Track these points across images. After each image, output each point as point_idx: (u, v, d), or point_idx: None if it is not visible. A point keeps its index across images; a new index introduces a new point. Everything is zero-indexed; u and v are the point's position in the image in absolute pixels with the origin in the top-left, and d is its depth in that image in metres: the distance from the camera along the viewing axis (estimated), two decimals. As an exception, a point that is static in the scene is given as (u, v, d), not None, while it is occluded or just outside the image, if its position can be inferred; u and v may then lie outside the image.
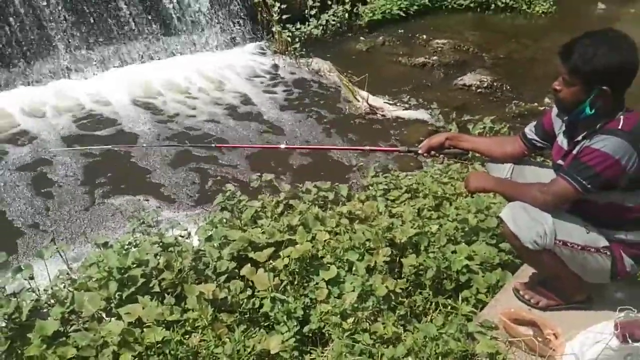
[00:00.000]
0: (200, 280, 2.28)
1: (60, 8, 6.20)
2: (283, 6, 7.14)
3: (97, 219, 4.11)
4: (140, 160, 4.83)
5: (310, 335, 2.09)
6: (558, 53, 1.87)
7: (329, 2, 7.90)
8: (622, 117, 1.83)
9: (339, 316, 2.03)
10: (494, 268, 2.38)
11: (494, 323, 2.04)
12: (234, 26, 7.60)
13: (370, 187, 3.38)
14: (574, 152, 1.93)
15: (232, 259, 2.37)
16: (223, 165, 4.83)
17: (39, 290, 2.38)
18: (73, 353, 1.85)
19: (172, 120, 5.62)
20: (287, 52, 7.21)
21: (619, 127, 1.80)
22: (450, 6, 8.98)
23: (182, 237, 2.76)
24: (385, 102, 6.14)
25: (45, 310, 2.18)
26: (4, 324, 1.92)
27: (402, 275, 2.36)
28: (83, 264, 2.40)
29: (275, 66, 7.01)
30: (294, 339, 1.97)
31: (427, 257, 2.36)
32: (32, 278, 2.31)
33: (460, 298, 2.26)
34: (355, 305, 2.06)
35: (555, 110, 2.13)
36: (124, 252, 2.38)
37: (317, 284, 2.24)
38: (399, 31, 8.13)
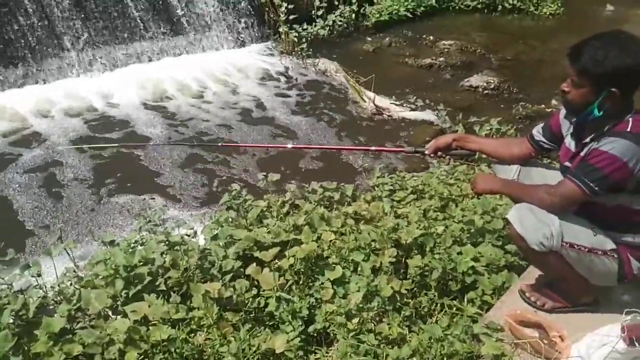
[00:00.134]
0: (205, 279, 2.28)
1: (69, 7, 6.24)
2: (290, 6, 7.16)
3: (104, 217, 4.13)
4: (146, 159, 4.86)
5: (315, 335, 2.09)
6: (567, 54, 1.86)
7: (336, 3, 7.90)
8: (630, 119, 1.82)
9: (344, 316, 2.03)
10: (499, 270, 2.37)
11: (499, 325, 2.03)
12: (241, 26, 7.62)
13: (375, 188, 3.38)
14: (582, 154, 1.92)
15: (238, 258, 2.37)
16: (229, 165, 4.84)
17: (46, 287, 2.39)
18: (79, 350, 1.86)
19: (179, 119, 5.64)
20: (293, 53, 7.22)
21: (628, 129, 1.79)
22: (457, 7, 8.97)
23: (188, 236, 2.77)
24: (391, 103, 6.13)
25: (52, 307, 2.19)
26: (11, 321, 1.93)
27: (408, 276, 2.36)
28: (90, 262, 2.41)
29: (282, 66, 7.02)
30: (299, 339, 1.97)
31: (433, 258, 2.36)
32: (39, 275, 2.33)
33: (465, 299, 2.25)
34: (361, 305, 2.06)
35: (563, 111, 2.13)
36: (130, 250, 2.39)
37: (322, 284, 2.24)
38: (406, 32, 8.12)
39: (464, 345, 1.88)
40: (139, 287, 2.15)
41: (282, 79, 6.71)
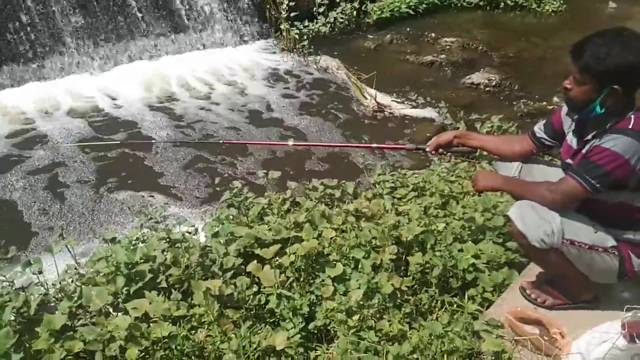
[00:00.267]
0: (206, 276, 2.29)
1: (70, 5, 6.24)
2: (291, 3, 7.15)
3: (106, 214, 4.14)
4: (148, 157, 4.86)
5: (316, 332, 2.10)
6: (569, 52, 1.86)
7: (337, 0, 7.88)
8: (632, 116, 1.82)
9: (344, 313, 2.03)
10: (500, 267, 2.37)
11: (500, 322, 2.03)
12: (242, 23, 7.61)
13: (376, 185, 3.38)
14: (584, 151, 1.92)
15: (239, 255, 2.37)
16: (230, 162, 4.84)
17: (47, 284, 2.40)
18: (80, 347, 1.86)
19: (180, 117, 5.64)
20: (295, 50, 7.21)
21: (630, 127, 1.79)
22: (459, 4, 8.94)
23: (189, 233, 2.77)
24: (393, 100, 6.12)
25: (53, 304, 2.20)
26: (12, 318, 1.94)
27: (408, 273, 2.36)
28: (91, 259, 2.41)
29: (283, 63, 7.01)
30: (299, 336, 1.97)
31: (434, 256, 2.36)
32: (40, 272, 2.33)
33: (466, 296, 2.26)
34: (361, 302, 2.06)
35: (565, 109, 2.12)
36: (131, 247, 2.39)
37: (323, 281, 2.24)
38: (408, 29, 8.10)
39: (464, 342, 1.88)
40: (140, 284, 2.16)
41: (283, 76, 6.70)
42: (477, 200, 2.83)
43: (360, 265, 2.30)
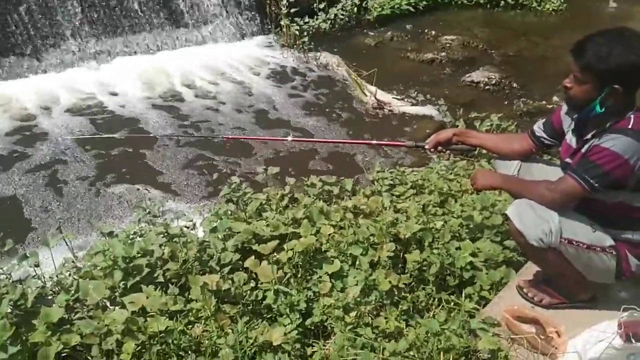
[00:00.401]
0: (204, 271, 2.28)
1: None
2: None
3: (104, 208, 4.13)
4: (147, 151, 4.85)
5: (313, 328, 2.10)
6: (570, 51, 1.86)
7: (338, -4, 7.87)
8: (632, 116, 1.82)
9: (341, 310, 2.03)
10: (498, 265, 2.38)
11: (496, 320, 2.04)
12: (243, 19, 7.59)
13: (375, 182, 3.38)
14: (583, 150, 1.92)
15: (237, 250, 2.37)
16: (229, 157, 4.84)
17: (44, 277, 2.40)
18: (77, 340, 1.86)
19: (179, 111, 5.63)
20: (295, 46, 7.19)
21: (629, 127, 1.79)
22: (460, 2, 8.92)
23: (187, 228, 2.77)
24: (393, 97, 6.12)
25: (50, 297, 2.19)
26: (9, 310, 1.93)
27: (406, 271, 2.37)
28: (88, 253, 2.41)
29: (283, 60, 7.00)
30: (296, 332, 1.97)
31: (431, 253, 2.36)
32: (37, 265, 2.33)
33: (463, 294, 2.26)
34: (358, 299, 2.07)
35: (564, 108, 2.12)
36: (129, 241, 2.39)
37: (320, 277, 2.24)
38: (408, 26, 8.09)
39: (460, 340, 1.88)
40: (138, 278, 2.16)
41: (283, 72, 6.69)
42: (476, 199, 2.83)
43: (357, 262, 2.30)
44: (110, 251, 2.24)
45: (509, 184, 2.17)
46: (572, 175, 1.87)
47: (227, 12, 7.43)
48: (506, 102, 6.06)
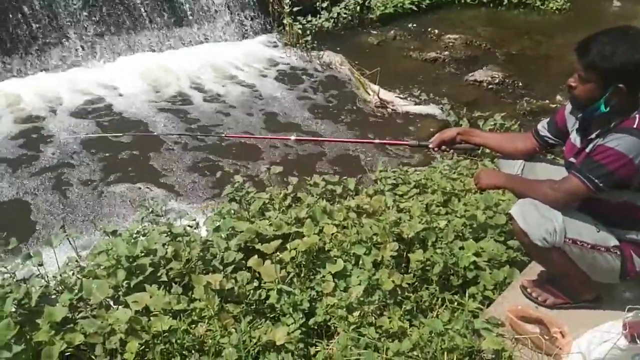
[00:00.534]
0: (207, 271, 2.28)
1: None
2: (294, -2, 7.13)
3: (107, 207, 4.14)
4: (150, 151, 4.85)
5: (316, 327, 2.09)
6: (575, 49, 1.85)
7: (341, -5, 7.86)
8: (637, 115, 1.81)
9: (344, 309, 2.03)
10: (501, 265, 2.37)
11: (500, 320, 2.03)
12: (245, 18, 7.59)
13: (378, 182, 3.37)
14: (587, 150, 1.91)
15: (240, 250, 2.37)
16: (232, 157, 4.84)
17: (48, 276, 2.40)
18: (81, 339, 1.86)
19: (182, 110, 5.63)
20: (298, 45, 7.19)
21: (634, 126, 1.78)
22: (462, 1, 8.90)
23: (191, 227, 2.77)
24: (396, 96, 6.11)
25: (54, 296, 2.19)
26: (13, 309, 1.94)
27: (409, 270, 2.36)
28: (92, 252, 2.41)
29: (286, 58, 6.99)
30: (299, 331, 1.97)
31: (435, 253, 2.35)
32: (41, 265, 2.33)
33: (467, 294, 2.25)
34: (362, 299, 2.06)
35: (569, 107, 2.11)
36: (132, 240, 2.39)
37: (323, 277, 2.24)
38: (411, 25, 8.07)
39: (464, 340, 1.87)
40: (141, 277, 2.16)
41: (286, 71, 6.69)
42: (479, 198, 2.83)
43: (361, 262, 2.30)
44: (113, 250, 2.25)
45: (512, 184, 2.17)
46: (577, 175, 1.86)
47: (230, 11, 7.42)
48: (509, 101, 6.05)
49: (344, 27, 7.83)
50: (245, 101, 5.90)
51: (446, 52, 7.21)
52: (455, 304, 2.22)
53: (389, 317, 2.06)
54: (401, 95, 6.16)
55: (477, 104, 5.90)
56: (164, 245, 2.35)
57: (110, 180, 4.45)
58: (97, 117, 5.41)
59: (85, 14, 6.33)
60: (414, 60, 7.10)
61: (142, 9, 6.74)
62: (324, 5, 7.66)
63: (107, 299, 2.09)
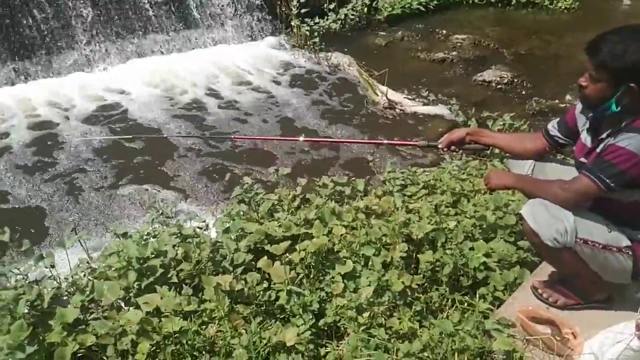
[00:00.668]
0: (217, 272, 2.29)
1: (83, 1, 6.28)
2: (302, 0, 7.13)
3: (117, 209, 4.17)
4: (159, 153, 4.88)
5: (326, 328, 2.10)
6: (585, 49, 1.84)
7: (348, -4, 7.87)
8: (648, 115, 1.79)
9: (354, 310, 2.03)
10: (512, 266, 2.36)
11: (511, 321, 2.02)
12: (253, 20, 7.62)
13: (387, 182, 3.37)
14: (598, 149, 1.90)
15: (249, 251, 2.38)
16: (241, 158, 4.86)
17: (59, 278, 2.42)
18: (92, 340, 1.88)
19: (191, 112, 5.66)
20: (306, 46, 7.20)
21: (645, 125, 1.77)
22: (470, 1, 8.86)
23: (200, 228, 2.78)
24: (404, 97, 6.10)
25: (65, 298, 2.22)
26: (26, 311, 1.96)
27: (419, 271, 2.35)
28: (103, 254, 2.43)
29: (294, 60, 7.01)
30: (309, 332, 1.97)
31: (444, 254, 2.35)
32: (53, 266, 2.35)
33: (477, 295, 2.25)
34: (371, 299, 2.06)
35: (579, 106, 2.10)
36: (143, 242, 2.41)
37: (333, 278, 2.24)
38: (419, 26, 8.06)
39: (475, 341, 1.87)
40: (152, 279, 2.17)
41: (294, 72, 6.70)
42: (489, 199, 2.82)
43: (370, 263, 2.30)
44: (124, 252, 2.26)
45: (522, 184, 2.16)
46: (587, 175, 1.85)
47: (238, 13, 7.45)
48: (518, 102, 6.02)
49: (351, 29, 7.84)
50: (255, 104, 5.91)
51: (454, 53, 7.18)
52: (466, 304, 2.21)
53: (398, 318, 2.06)
54: (409, 96, 6.15)
55: (486, 104, 5.87)
56: (174, 246, 2.36)
57: (120, 182, 4.48)
58: (105, 119, 5.45)
59: (95, 18, 6.38)
60: (422, 60, 7.09)
61: (151, 12, 6.78)
62: (332, 6, 7.67)
63: (118, 300, 2.11)
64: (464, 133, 2.43)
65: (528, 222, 1.93)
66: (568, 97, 5.86)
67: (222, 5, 7.32)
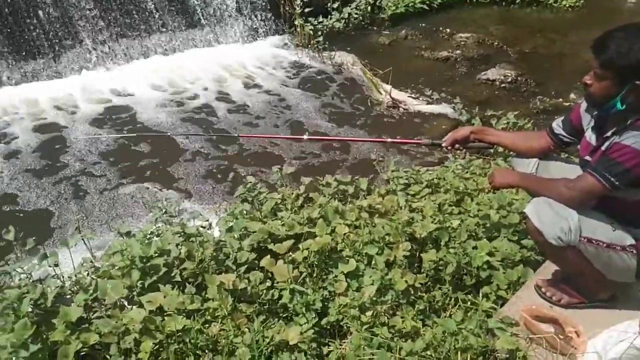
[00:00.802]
0: (220, 271, 2.30)
1: (86, 1, 6.30)
2: (305, -1, 7.14)
3: (120, 208, 4.18)
4: (163, 151, 4.89)
5: (329, 327, 2.10)
6: (590, 47, 1.83)
7: (352, -5, 7.86)
8: (653, 113, 1.78)
9: (357, 309, 2.03)
10: (515, 264, 2.35)
11: (514, 320, 2.02)
12: (257, 19, 7.62)
13: (390, 181, 3.37)
14: (603, 148, 1.89)
15: (252, 250, 2.38)
16: (244, 157, 4.86)
17: (63, 277, 2.43)
18: (96, 339, 1.89)
19: (195, 111, 5.67)
20: (309, 46, 7.19)
21: (650, 124, 1.76)
22: (474, 0, 8.85)
23: (204, 227, 2.79)
24: (408, 96, 6.10)
25: (69, 296, 2.22)
26: (30, 309, 1.97)
27: (422, 270, 2.35)
28: (106, 253, 2.43)
29: (298, 59, 7.00)
30: (312, 331, 1.97)
31: (448, 253, 2.34)
32: (57, 265, 2.36)
33: (480, 294, 2.24)
34: (374, 298, 2.06)
35: (584, 105, 2.09)
36: (146, 241, 2.41)
37: (336, 276, 2.24)
38: (422, 25, 8.04)
39: (478, 340, 1.86)
40: (155, 277, 2.18)
41: (298, 71, 6.70)
42: (492, 198, 2.81)
43: (373, 262, 2.29)
44: (127, 251, 2.27)
45: (527, 182, 2.15)
46: (592, 173, 1.85)
47: (241, 12, 7.46)
48: (522, 100, 5.99)
49: (355, 28, 7.83)
50: (257, 101, 5.92)
51: (458, 51, 7.17)
52: (469, 303, 2.21)
53: (401, 317, 2.05)
54: (413, 95, 6.14)
55: (490, 102, 5.86)
56: (177, 245, 2.36)
57: (124, 181, 4.49)
58: (109, 119, 5.47)
59: (99, 18, 6.39)
60: (425, 59, 7.08)
61: (155, 12, 6.79)
62: (335, 5, 7.66)
63: (122, 299, 2.11)
64: (468, 131, 2.42)
65: (532, 220, 1.92)
66: (572, 95, 5.84)
67: (226, 5, 7.33)
